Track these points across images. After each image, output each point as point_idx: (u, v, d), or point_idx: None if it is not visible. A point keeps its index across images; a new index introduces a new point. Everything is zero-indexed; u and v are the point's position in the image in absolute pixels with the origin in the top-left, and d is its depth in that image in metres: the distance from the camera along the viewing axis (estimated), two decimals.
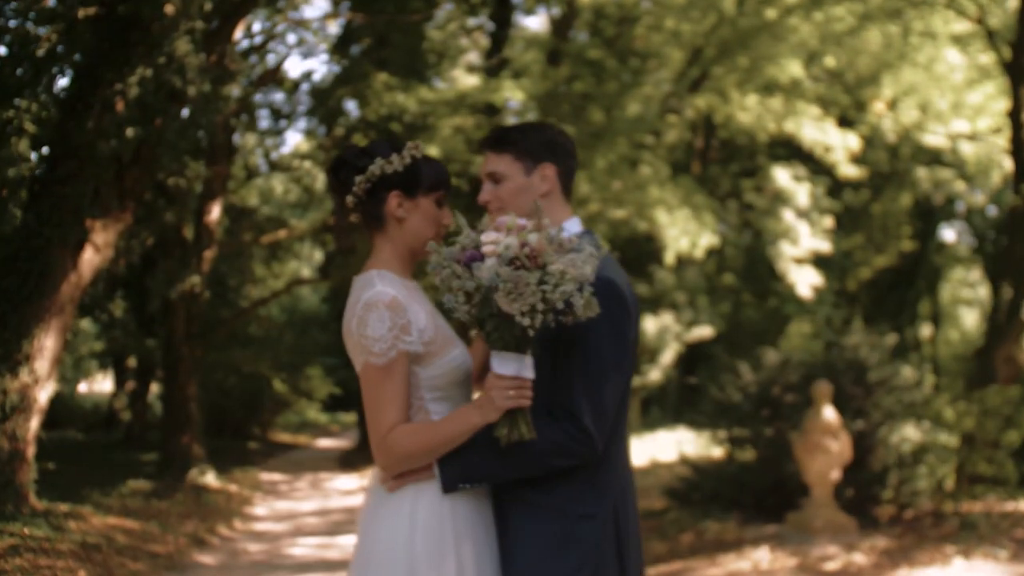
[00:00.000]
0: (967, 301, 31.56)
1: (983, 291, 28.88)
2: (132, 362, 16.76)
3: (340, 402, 26.59)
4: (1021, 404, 6.37)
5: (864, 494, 6.95)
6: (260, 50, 11.68)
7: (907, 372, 7.26)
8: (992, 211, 23.65)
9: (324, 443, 21.47)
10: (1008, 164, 14.39)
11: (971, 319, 32.17)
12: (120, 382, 17.76)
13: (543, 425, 2.11)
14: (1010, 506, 6.82)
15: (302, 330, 20.95)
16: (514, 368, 2.02)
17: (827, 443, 6.22)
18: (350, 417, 27.66)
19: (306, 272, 21.18)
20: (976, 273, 28.80)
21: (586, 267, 1.98)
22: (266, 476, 13.21)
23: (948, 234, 26.92)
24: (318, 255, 20.18)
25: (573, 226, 2.30)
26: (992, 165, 15.78)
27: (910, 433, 7.00)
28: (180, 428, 11.33)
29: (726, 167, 18.56)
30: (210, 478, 11.00)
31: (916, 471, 6.90)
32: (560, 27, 15.57)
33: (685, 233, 13.51)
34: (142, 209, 8.82)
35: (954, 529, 6.56)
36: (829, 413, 6.50)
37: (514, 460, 2.11)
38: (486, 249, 2.00)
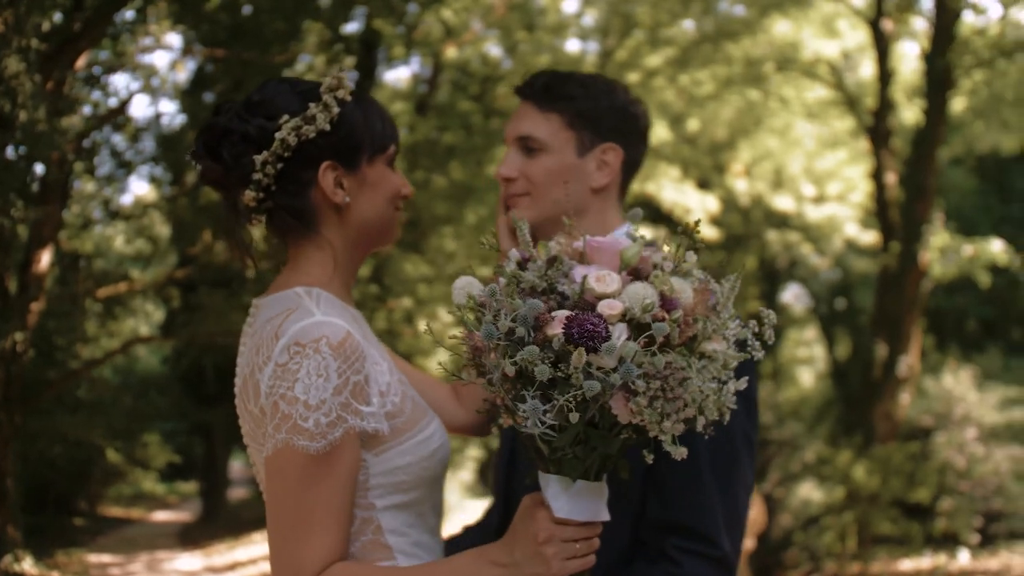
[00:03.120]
0: (803, 360, 33.36)
1: (818, 350, 30.69)
2: None
3: (179, 471, 24.78)
4: (922, 461, 6.34)
5: (770, 560, 6.70)
6: (100, 83, 10.73)
7: (800, 430, 7.18)
8: (830, 275, 25.04)
9: (161, 516, 19.86)
10: (852, 229, 15.13)
11: (807, 377, 33.99)
12: None
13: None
14: (907, 565, 6.76)
15: (139, 393, 19.34)
16: (591, 509, 1.19)
17: None
18: (190, 487, 25.80)
19: (145, 330, 19.64)
20: (811, 333, 30.53)
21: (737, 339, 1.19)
22: (95, 558, 11.84)
23: (786, 296, 28.37)
24: (159, 313, 18.81)
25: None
26: (835, 229, 16.55)
27: (812, 494, 6.85)
28: None
29: None
30: (27, 565, 9.67)
31: (821, 533, 6.73)
32: (424, 83, 15.35)
33: None
34: None
35: None
36: None
37: None
38: (605, 308, 1.11)
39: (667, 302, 1.14)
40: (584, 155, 1.57)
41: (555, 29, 15.18)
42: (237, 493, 21.12)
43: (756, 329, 1.23)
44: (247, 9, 11.87)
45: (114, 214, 12.84)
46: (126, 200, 14.47)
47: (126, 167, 12.79)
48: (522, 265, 1.20)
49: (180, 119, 13.74)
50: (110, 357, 13.96)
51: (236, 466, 22.92)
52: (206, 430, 18.38)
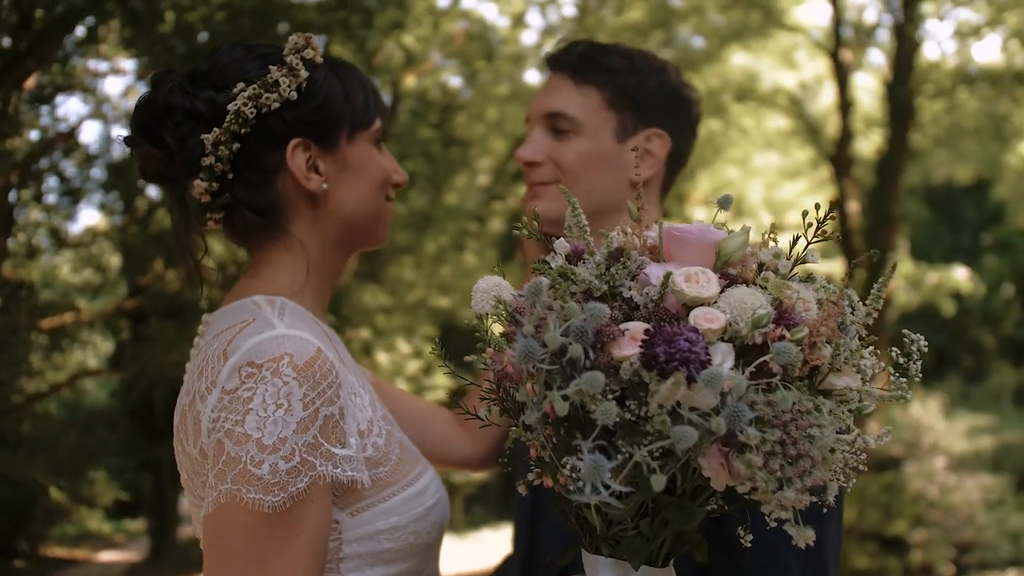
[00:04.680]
0: None
1: None
2: None
3: (126, 508, 24.02)
4: (898, 492, 6.24)
5: None
6: (51, 103, 10.46)
7: None
8: None
9: (107, 556, 19.18)
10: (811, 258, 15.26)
11: None
12: None
13: None
14: None
15: (86, 428, 18.72)
16: None
17: None
18: (138, 525, 25.00)
19: (93, 363, 19.08)
20: None
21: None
22: None
23: None
24: (107, 345, 18.31)
25: None
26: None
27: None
28: None
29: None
30: None
31: None
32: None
33: None
34: None
35: None
36: None
37: None
38: (702, 319, 0.76)
39: (786, 316, 0.78)
40: (624, 141, 1.32)
41: (514, 59, 15.24)
42: (187, 531, 20.48)
43: (900, 359, 0.87)
44: (203, 35, 11.67)
45: (62, 242, 12.47)
46: (75, 228, 14.06)
47: (74, 194, 12.45)
48: (572, 260, 0.86)
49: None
50: (55, 391, 13.42)
51: (186, 503, 22.31)
52: (155, 466, 17.86)
